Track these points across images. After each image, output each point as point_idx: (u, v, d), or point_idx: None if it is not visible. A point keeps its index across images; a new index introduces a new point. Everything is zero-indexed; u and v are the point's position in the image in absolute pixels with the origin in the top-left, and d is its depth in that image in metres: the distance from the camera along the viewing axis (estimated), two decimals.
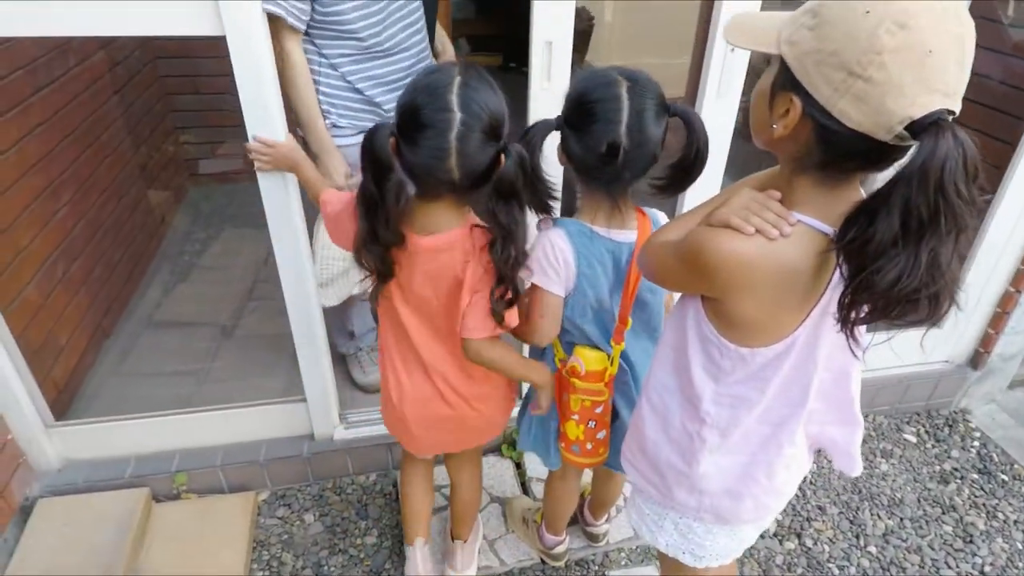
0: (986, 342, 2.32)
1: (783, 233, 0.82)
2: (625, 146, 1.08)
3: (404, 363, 1.34)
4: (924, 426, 2.39)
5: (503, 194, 1.09)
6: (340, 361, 2.20)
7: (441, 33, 1.93)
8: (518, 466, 2.07)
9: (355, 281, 1.97)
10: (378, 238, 1.13)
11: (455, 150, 1.03)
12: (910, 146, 0.74)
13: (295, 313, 1.76)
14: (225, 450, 1.96)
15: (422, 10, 1.70)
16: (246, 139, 1.47)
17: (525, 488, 2.01)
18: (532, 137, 1.15)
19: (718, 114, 1.67)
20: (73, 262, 2.20)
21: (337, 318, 2.15)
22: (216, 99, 3.31)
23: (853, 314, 0.80)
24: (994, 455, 2.28)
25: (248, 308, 2.68)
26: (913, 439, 2.34)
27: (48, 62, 2.13)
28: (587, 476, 1.78)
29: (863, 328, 0.89)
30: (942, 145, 0.68)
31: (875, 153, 0.77)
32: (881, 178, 0.81)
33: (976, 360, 2.37)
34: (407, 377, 1.34)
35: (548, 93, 1.55)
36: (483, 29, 4.96)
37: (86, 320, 2.26)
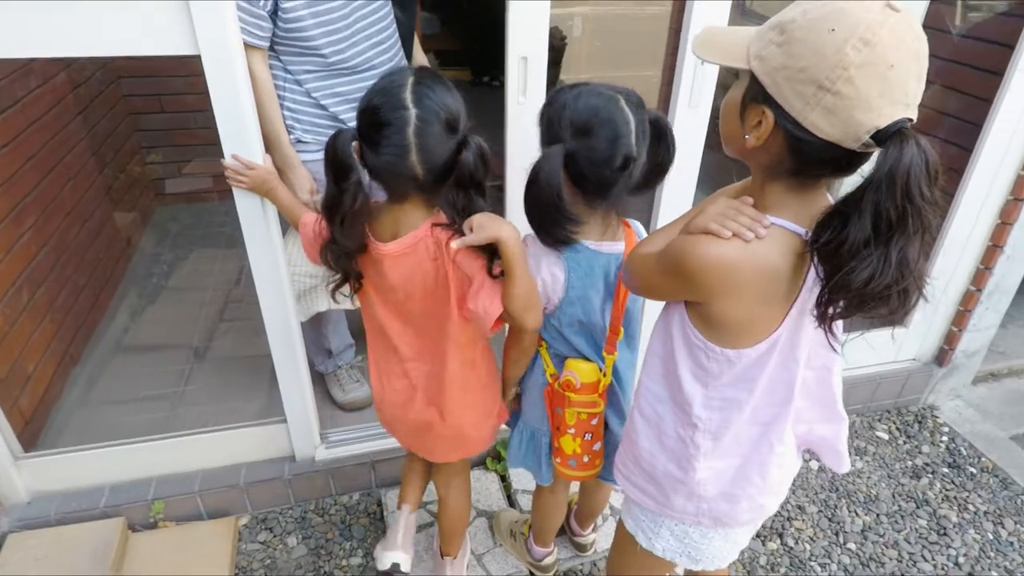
0: (950, 339, 2.40)
1: (758, 235, 0.86)
2: (635, 156, 1.11)
3: (385, 363, 1.36)
4: (895, 423, 2.46)
5: (464, 184, 1.11)
6: (318, 380, 2.18)
7: (420, 55, 1.93)
8: (503, 479, 2.07)
9: (323, 297, 1.97)
10: (338, 241, 1.15)
11: (415, 145, 1.06)
12: (872, 152, 0.79)
13: (274, 331, 1.74)
14: (203, 475, 1.92)
15: (394, 29, 1.70)
16: (220, 157, 1.45)
17: (511, 501, 2.01)
18: (551, 167, 1.10)
19: (690, 124, 1.71)
20: (38, 288, 2.14)
21: (314, 336, 2.13)
22: (182, 117, 3.27)
23: (830, 310, 0.84)
24: (962, 449, 2.36)
25: (220, 329, 2.63)
26: (885, 436, 2.40)
27: (10, 84, 2.08)
28: (573, 486, 1.78)
29: (840, 325, 0.93)
30: (907, 152, 0.74)
31: (843, 160, 0.82)
32: (847, 183, 0.86)
33: (941, 357, 2.45)
34: (387, 378, 1.37)
35: (524, 108, 1.57)
36: (451, 44, 5.00)
37: (53, 348, 2.19)
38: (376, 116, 1.06)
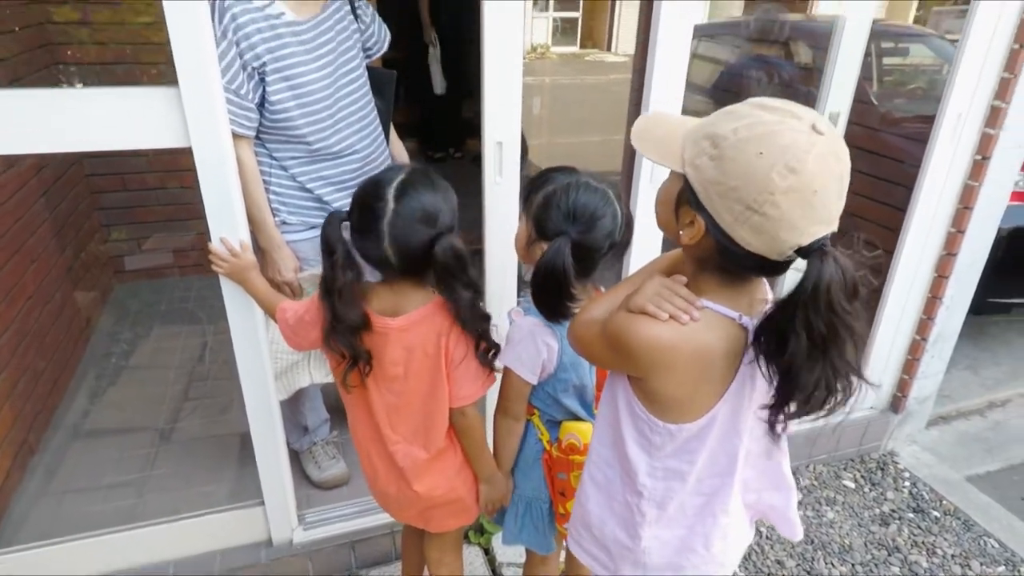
0: (903, 387, 2.54)
1: (693, 318, 0.89)
2: (619, 241, 1.24)
3: (373, 446, 1.37)
4: (859, 471, 2.55)
5: (440, 276, 1.18)
6: (292, 458, 2.14)
7: (396, 141, 2.01)
8: (487, 552, 2.05)
9: (305, 373, 1.96)
10: (340, 316, 1.18)
11: (387, 234, 1.14)
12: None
13: (254, 410, 1.72)
14: (176, 565, 1.84)
15: (375, 115, 1.79)
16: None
17: (496, 574, 1.99)
18: (563, 258, 1.16)
19: (651, 199, 1.81)
20: None
21: (290, 412, 2.10)
22: (143, 195, 3.27)
23: (783, 417, 0.89)
24: (924, 493, 2.45)
25: (185, 409, 2.57)
26: (852, 484, 2.48)
27: None
28: None
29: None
30: (826, 270, 0.79)
31: (770, 266, 0.87)
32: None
33: (896, 404, 2.58)
34: (378, 461, 1.38)
35: (500, 186, 1.66)
36: (399, 117, 5.15)
37: (10, 438, 2.10)
38: (360, 203, 1.17)
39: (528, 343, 1.29)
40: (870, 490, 2.46)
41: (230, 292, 1.55)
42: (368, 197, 1.15)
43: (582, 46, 17.54)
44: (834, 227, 0.83)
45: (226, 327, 1.60)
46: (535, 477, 1.43)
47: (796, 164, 0.78)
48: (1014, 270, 3.02)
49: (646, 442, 1.02)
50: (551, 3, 17.36)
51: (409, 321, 1.23)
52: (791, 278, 0.99)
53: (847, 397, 0.87)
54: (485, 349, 1.28)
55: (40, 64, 2.79)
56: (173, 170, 3.19)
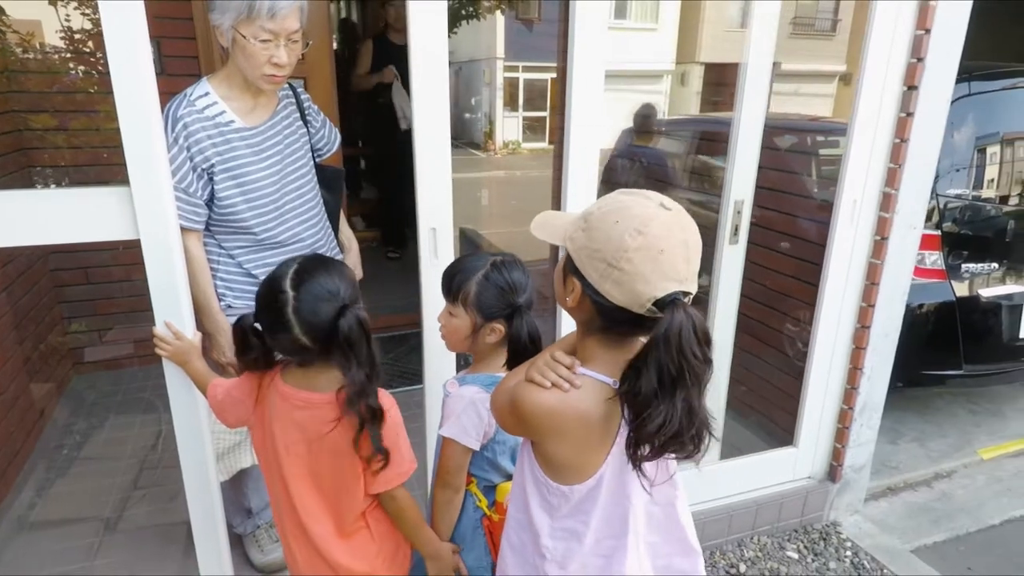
0: (837, 455, 2.63)
1: (574, 385, 1.02)
2: None
3: (292, 526, 1.39)
4: (803, 541, 2.60)
5: (343, 349, 1.23)
6: (235, 543, 2.13)
7: (346, 229, 2.16)
8: None
9: (247, 454, 2.00)
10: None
11: (295, 322, 1.21)
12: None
13: (193, 492, 1.75)
14: None
15: (321, 207, 1.94)
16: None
17: None
18: (532, 322, 1.38)
19: None
20: None
21: (233, 495, 2.12)
22: (107, 287, 3.36)
23: (639, 452, 0.99)
24: (865, 563, 2.50)
25: (133, 498, 2.56)
26: (795, 555, 2.52)
27: None
28: None
29: (673, 464, 1.11)
30: (676, 318, 0.92)
31: (638, 320, 1.00)
32: None
33: (833, 474, 2.66)
34: (295, 542, 1.40)
35: (435, 268, 1.79)
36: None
37: None
38: (264, 304, 1.25)
39: (471, 411, 1.38)
40: (812, 560, 2.50)
41: (172, 374, 1.63)
42: (269, 295, 1.22)
43: (550, 141, 18.48)
44: (688, 287, 0.98)
45: None
46: (477, 547, 1.46)
47: (643, 228, 0.96)
48: (943, 344, 3.21)
49: (546, 503, 1.12)
50: (520, 105, 18.45)
51: (303, 400, 1.29)
52: None
53: (695, 446, 0.98)
54: (367, 436, 1.26)
55: (14, 167, 2.95)
56: (139, 263, 3.29)
